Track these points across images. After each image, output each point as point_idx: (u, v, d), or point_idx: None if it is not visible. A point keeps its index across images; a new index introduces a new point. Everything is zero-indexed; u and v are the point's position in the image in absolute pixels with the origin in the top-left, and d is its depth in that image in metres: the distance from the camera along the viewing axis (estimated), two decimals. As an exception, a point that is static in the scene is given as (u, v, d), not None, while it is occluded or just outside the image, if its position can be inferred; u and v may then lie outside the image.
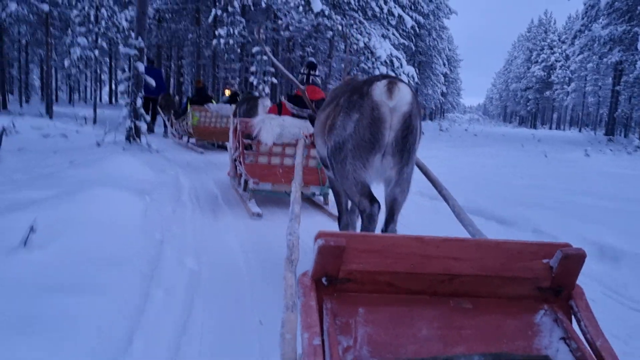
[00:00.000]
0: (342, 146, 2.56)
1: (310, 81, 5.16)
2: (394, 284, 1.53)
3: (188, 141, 11.91)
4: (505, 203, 5.47)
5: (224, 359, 2.33)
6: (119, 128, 8.57)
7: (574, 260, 1.50)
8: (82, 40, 14.97)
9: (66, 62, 16.15)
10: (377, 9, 17.21)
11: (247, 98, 8.10)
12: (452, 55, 63.19)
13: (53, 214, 3.32)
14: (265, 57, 17.26)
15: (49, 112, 16.42)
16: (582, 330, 1.51)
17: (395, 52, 17.03)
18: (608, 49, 27.36)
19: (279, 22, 17.23)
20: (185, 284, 3.13)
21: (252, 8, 18.67)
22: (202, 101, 11.98)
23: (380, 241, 1.49)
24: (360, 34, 16.59)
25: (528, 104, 66.32)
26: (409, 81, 17.74)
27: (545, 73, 61.24)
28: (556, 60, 59.62)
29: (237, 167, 5.87)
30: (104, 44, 14.85)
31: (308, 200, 5.85)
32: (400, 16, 17.42)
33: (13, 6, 15.90)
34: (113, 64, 33.49)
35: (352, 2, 16.43)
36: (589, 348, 1.46)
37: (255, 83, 16.51)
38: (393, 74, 17.24)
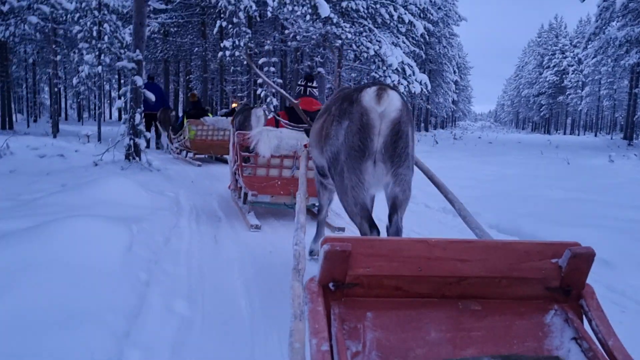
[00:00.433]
0: (337, 156, 2.58)
1: (308, 93, 5.25)
2: (402, 287, 1.53)
3: (186, 156, 11.81)
4: (550, 223, 4.81)
5: None
6: (117, 146, 8.05)
7: (583, 259, 1.49)
8: (89, 57, 14.64)
9: (75, 80, 15.85)
10: (386, 16, 16.66)
11: (243, 109, 7.71)
12: (462, 62, 62.50)
13: (13, 254, 2.77)
14: (272, 69, 16.81)
15: (54, 131, 16.10)
16: (593, 329, 1.49)
17: (407, 60, 16.43)
18: (624, 50, 26.58)
19: (286, 31, 16.73)
20: (171, 339, 2.53)
21: (259, 19, 18.25)
22: (198, 115, 12.01)
23: (387, 245, 1.49)
24: (370, 42, 16.03)
25: (541, 109, 65.36)
26: (421, 89, 17.14)
27: (558, 78, 60.33)
28: (568, 65, 58.77)
29: (237, 180, 5.85)
30: (107, 59, 14.38)
31: (308, 211, 5.66)
32: (410, 22, 16.83)
33: (34, 19, 15.60)
34: (122, 80, 33.31)
35: (361, 9, 15.89)
36: (601, 348, 1.43)
37: (262, 95, 16.03)
38: (405, 82, 16.75)
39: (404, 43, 19.18)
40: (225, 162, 9.89)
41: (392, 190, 2.61)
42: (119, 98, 8.81)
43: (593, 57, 32.99)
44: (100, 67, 14.53)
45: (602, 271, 3.61)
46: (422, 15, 22.68)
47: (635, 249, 4.00)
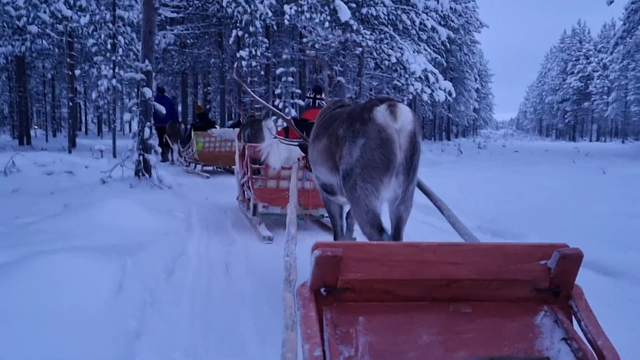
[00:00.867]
0: (351, 172, 2.58)
1: (317, 105, 5.29)
2: (393, 291, 1.51)
3: (195, 167, 11.77)
4: (617, 247, 4.13)
5: None
6: (127, 162, 7.58)
7: (571, 260, 1.49)
8: (107, 70, 14.43)
9: (94, 95, 15.69)
10: (408, 22, 16.07)
11: (251, 121, 7.28)
12: (483, 69, 61.52)
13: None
14: (290, 79, 16.34)
15: (70, 146, 15.86)
16: (582, 330, 1.48)
17: (430, 67, 15.79)
18: (655, 54, 25.61)
19: (304, 40, 16.26)
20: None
21: (276, 27, 17.82)
22: (205, 127, 11.98)
23: (377, 249, 1.48)
24: (392, 49, 15.44)
25: (565, 116, 63.90)
26: (445, 97, 16.49)
27: (583, 84, 58.96)
28: (593, 70, 57.43)
29: (245, 192, 5.96)
30: (122, 73, 14.08)
31: (317, 222, 5.84)
32: (433, 28, 16.20)
33: (34, 29, 15.48)
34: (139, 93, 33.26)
35: (382, 15, 15.32)
36: (590, 348, 1.42)
37: (280, 106, 15.55)
38: (429, 90, 16.11)
39: (425, 50, 18.57)
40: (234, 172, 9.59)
41: (397, 207, 2.66)
42: (129, 111, 8.37)
43: (620, 62, 31.94)
44: (114, 80, 14.25)
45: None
46: (442, 22, 22.12)
47: None
